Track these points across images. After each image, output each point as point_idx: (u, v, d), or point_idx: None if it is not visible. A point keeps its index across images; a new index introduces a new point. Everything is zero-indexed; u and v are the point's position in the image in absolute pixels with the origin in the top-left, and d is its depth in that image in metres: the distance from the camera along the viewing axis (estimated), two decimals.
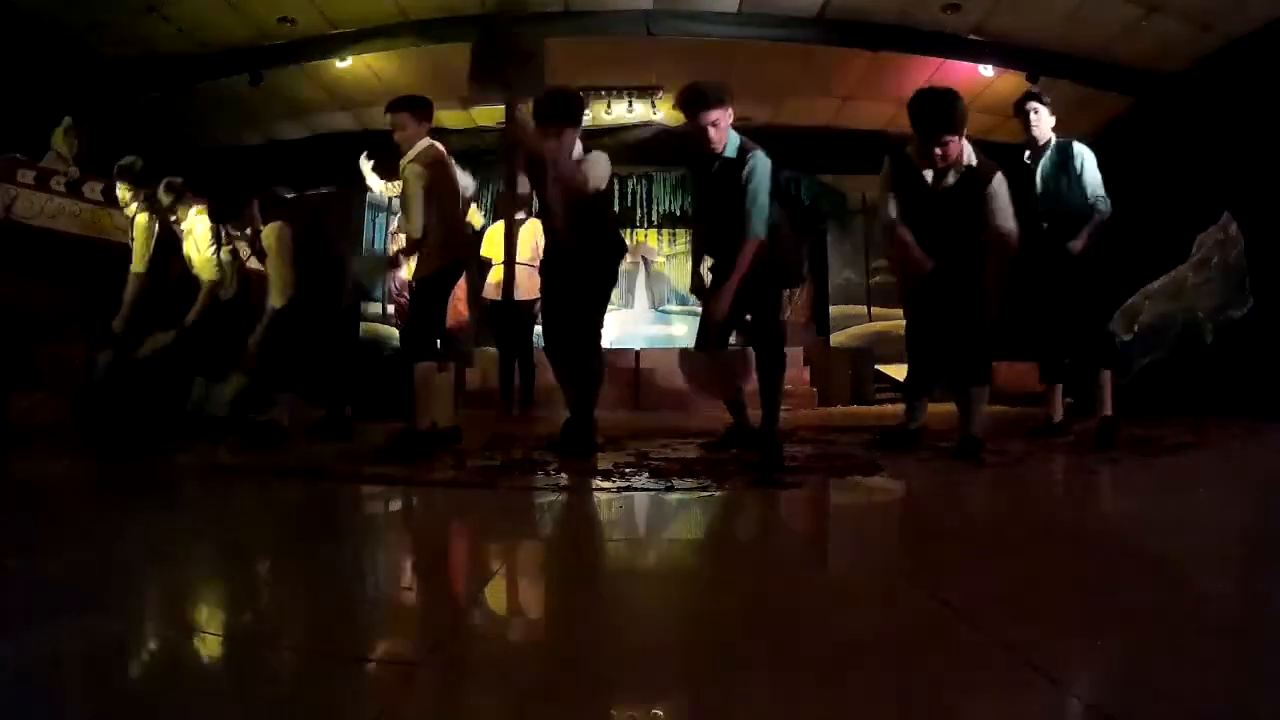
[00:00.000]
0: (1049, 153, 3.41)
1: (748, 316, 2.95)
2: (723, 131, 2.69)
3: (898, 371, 8.88)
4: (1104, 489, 2.06)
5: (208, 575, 1.23)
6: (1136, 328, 5.18)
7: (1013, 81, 6.50)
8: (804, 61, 6.60)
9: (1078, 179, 3.33)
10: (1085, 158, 3.36)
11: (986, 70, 6.49)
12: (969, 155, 2.70)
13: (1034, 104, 3.44)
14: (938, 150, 2.59)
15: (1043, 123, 3.43)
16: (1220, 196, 5.34)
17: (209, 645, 0.87)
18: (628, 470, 2.27)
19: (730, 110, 2.73)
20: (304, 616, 0.96)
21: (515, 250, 4.95)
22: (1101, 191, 3.33)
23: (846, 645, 0.86)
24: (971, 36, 6.24)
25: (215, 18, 5.82)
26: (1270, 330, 4.92)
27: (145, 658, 0.82)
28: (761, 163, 2.69)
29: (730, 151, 2.70)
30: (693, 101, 2.68)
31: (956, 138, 2.60)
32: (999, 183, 2.69)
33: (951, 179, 2.70)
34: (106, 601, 0.99)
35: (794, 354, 3.34)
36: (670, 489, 1.96)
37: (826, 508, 1.88)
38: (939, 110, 2.61)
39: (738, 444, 2.92)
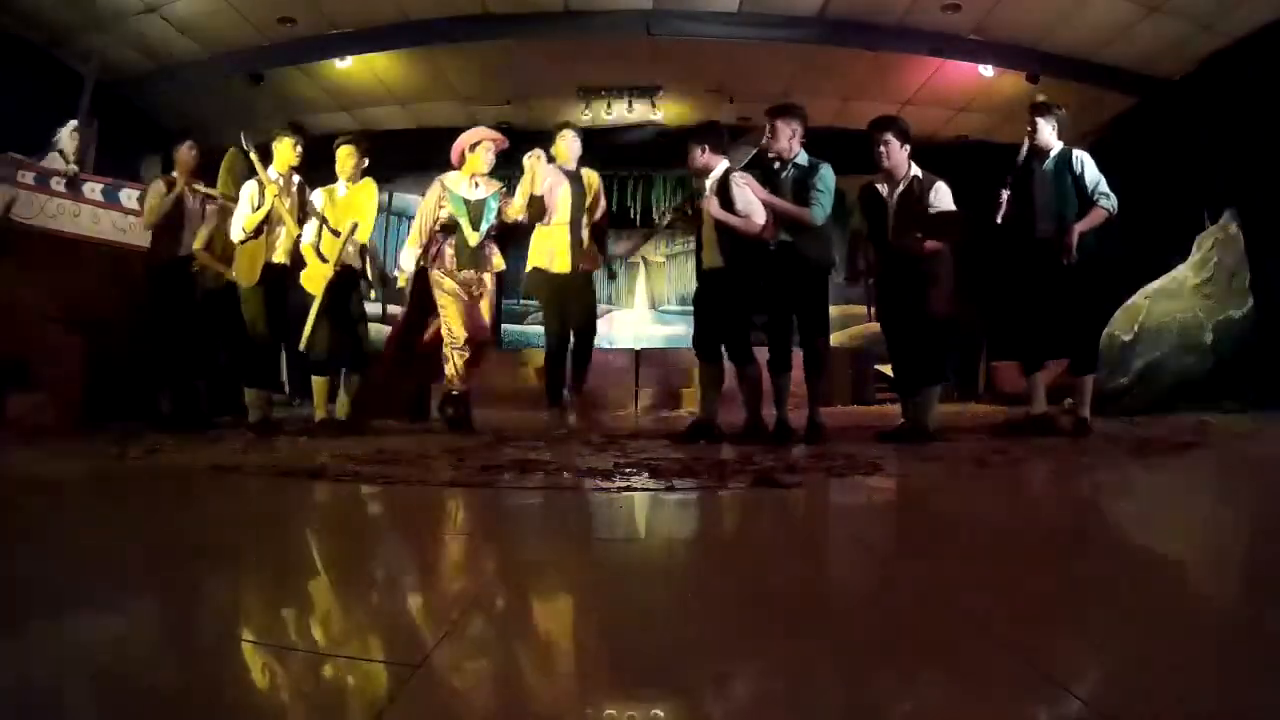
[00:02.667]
0: (1050, 160, 3.54)
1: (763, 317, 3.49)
2: (779, 137, 3.36)
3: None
4: (1105, 489, 2.06)
5: (206, 574, 1.23)
6: (1136, 328, 5.17)
7: (1013, 81, 6.51)
8: (804, 61, 6.60)
9: (1078, 180, 3.45)
10: (1085, 160, 3.49)
11: (986, 70, 6.49)
12: (914, 170, 3.39)
13: (1037, 117, 3.59)
14: (878, 149, 3.39)
15: (1043, 133, 3.58)
16: (1220, 196, 5.34)
17: (207, 644, 0.87)
18: (628, 470, 2.28)
19: (791, 121, 3.39)
20: (303, 616, 0.96)
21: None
22: (1105, 187, 3.44)
23: (848, 646, 0.86)
24: (971, 36, 6.24)
25: (215, 18, 5.82)
26: (1270, 330, 4.92)
27: (143, 657, 0.82)
28: (828, 170, 3.35)
29: (802, 160, 3.38)
30: (770, 109, 3.47)
31: (889, 135, 3.36)
32: (937, 192, 3.32)
33: (899, 190, 3.37)
34: (103, 601, 0.98)
35: (794, 354, 3.48)
36: (671, 489, 1.96)
37: (827, 507, 1.88)
38: (874, 121, 3.51)
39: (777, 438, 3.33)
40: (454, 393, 3.95)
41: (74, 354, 4.41)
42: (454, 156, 4.06)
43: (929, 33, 6.20)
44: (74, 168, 4.98)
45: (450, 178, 4.02)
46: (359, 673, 0.75)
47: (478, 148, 3.97)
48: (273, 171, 4.08)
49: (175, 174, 4.29)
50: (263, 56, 6.38)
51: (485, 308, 4.03)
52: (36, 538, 1.45)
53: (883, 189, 3.47)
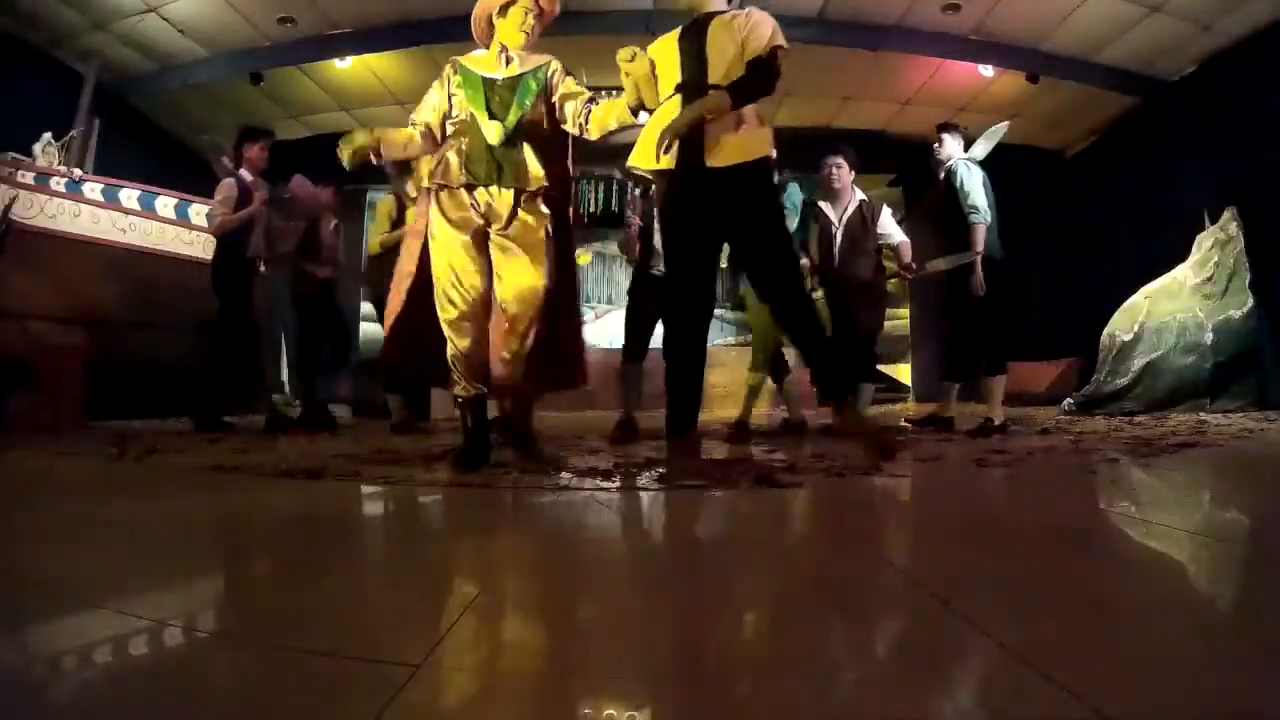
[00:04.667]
0: (944, 175, 3.76)
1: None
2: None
3: (896, 371, 8.92)
4: (1103, 489, 2.06)
5: (206, 574, 1.23)
6: (1136, 328, 5.17)
7: (1013, 81, 6.51)
8: (804, 61, 6.59)
9: (958, 194, 3.63)
10: (961, 173, 3.64)
11: (986, 70, 6.49)
12: (858, 194, 3.79)
13: (942, 133, 3.80)
14: (828, 173, 3.77)
15: (948, 148, 3.79)
16: (1220, 196, 5.34)
17: (207, 644, 0.87)
18: (629, 470, 2.28)
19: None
20: (303, 616, 0.96)
21: None
22: (974, 202, 3.58)
23: (844, 644, 0.86)
24: (971, 36, 6.24)
25: (215, 18, 5.82)
26: (1271, 330, 4.92)
27: (142, 656, 0.83)
28: (793, 188, 3.64)
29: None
30: None
31: (839, 160, 3.76)
32: (884, 221, 3.77)
33: (846, 215, 3.72)
34: (102, 600, 0.98)
35: (793, 353, 3.57)
36: (671, 488, 1.96)
37: (826, 507, 1.88)
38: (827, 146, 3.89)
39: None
40: (459, 398, 2.43)
41: (74, 354, 4.42)
42: (477, 35, 2.57)
43: (929, 33, 6.20)
44: (76, 170, 5.00)
45: (471, 55, 2.54)
46: (359, 673, 0.75)
47: (511, 9, 2.44)
48: (411, 190, 4.37)
49: (244, 172, 4.27)
50: (263, 56, 6.38)
51: (522, 262, 2.35)
52: (32, 538, 1.45)
53: (827, 209, 3.78)
